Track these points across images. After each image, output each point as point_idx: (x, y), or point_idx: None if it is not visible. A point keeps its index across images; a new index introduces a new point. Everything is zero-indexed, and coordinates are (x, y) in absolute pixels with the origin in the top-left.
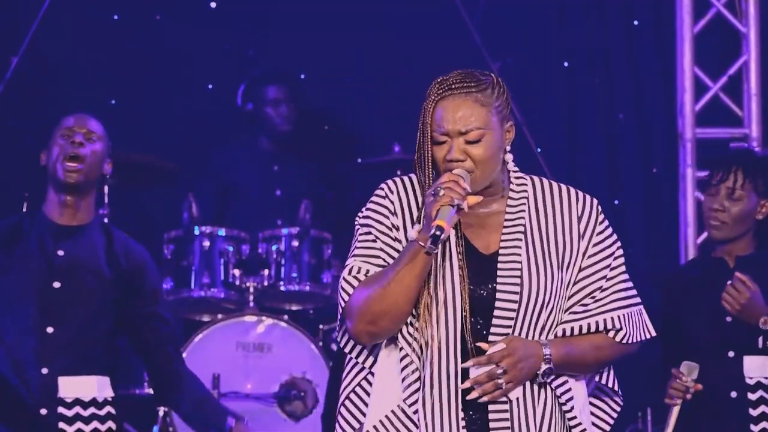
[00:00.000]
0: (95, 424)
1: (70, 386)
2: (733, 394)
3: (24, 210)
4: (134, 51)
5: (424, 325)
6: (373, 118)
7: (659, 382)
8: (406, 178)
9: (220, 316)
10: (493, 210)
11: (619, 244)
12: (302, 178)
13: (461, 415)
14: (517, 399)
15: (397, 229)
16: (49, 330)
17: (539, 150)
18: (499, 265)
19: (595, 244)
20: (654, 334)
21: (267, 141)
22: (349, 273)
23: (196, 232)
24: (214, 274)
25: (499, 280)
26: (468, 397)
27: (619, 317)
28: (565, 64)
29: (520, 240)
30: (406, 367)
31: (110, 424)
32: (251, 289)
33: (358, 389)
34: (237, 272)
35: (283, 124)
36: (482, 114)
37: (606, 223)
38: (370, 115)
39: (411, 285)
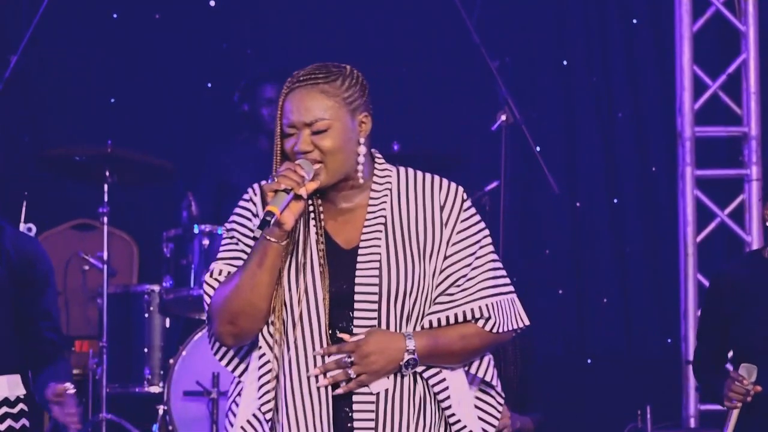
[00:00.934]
0: (9, 422)
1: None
2: None
3: (23, 213)
4: (133, 50)
5: (281, 322)
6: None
7: (659, 380)
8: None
9: None
10: (356, 204)
11: (486, 232)
12: None
13: (326, 409)
14: (386, 391)
15: None
16: None
17: (538, 149)
18: (359, 259)
19: (459, 232)
20: (527, 323)
21: (265, 140)
22: (210, 275)
23: (196, 230)
24: None
25: (357, 273)
26: (317, 385)
27: (486, 306)
28: (564, 62)
29: (380, 232)
30: (262, 366)
31: (24, 421)
32: None
33: (237, 399)
34: None
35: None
36: (329, 105)
37: (471, 211)
38: None
39: (262, 280)
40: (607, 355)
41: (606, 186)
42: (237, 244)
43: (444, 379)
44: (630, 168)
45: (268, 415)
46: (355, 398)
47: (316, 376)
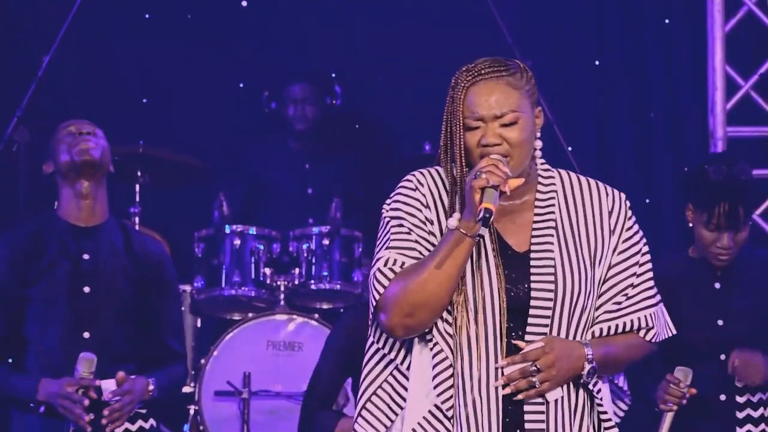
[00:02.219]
0: (140, 422)
1: (112, 389)
2: (722, 397)
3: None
4: (166, 49)
5: (461, 321)
6: (404, 116)
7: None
8: (433, 171)
9: (250, 314)
10: (524, 202)
11: (644, 240)
12: (333, 177)
13: (497, 412)
14: (556, 400)
15: (431, 222)
16: (86, 335)
17: (570, 148)
18: (533, 263)
19: (625, 240)
20: (674, 331)
21: (293, 140)
22: (385, 265)
23: (227, 230)
24: (244, 273)
25: (533, 278)
26: (501, 392)
27: (650, 315)
28: (596, 62)
29: (552, 236)
30: (439, 363)
31: (152, 421)
32: (282, 288)
33: (385, 385)
34: (268, 271)
35: (299, 123)
36: (516, 97)
37: (634, 219)
38: (401, 113)
39: (452, 275)
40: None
41: (638, 186)
42: (409, 233)
43: (602, 389)
44: (662, 168)
45: (450, 412)
46: (526, 406)
47: (496, 388)
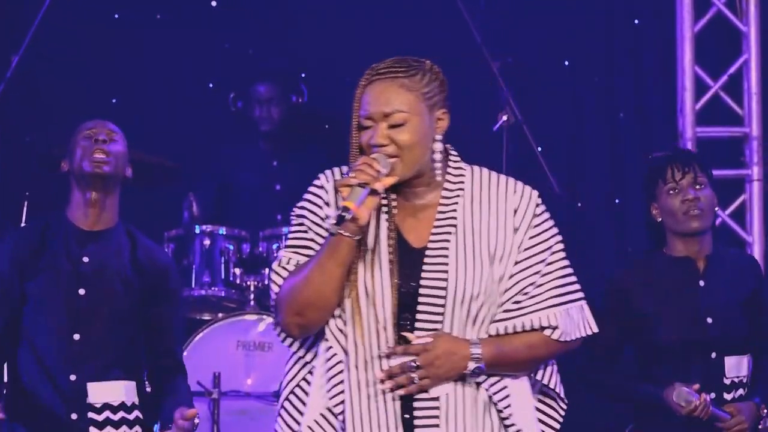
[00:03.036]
0: (124, 428)
1: (99, 391)
2: (712, 395)
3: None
4: (135, 50)
5: (352, 318)
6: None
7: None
8: (344, 168)
9: (220, 314)
10: (429, 201)
11: (558, 238)
12: (301, 174)
13: (394, 408)
14: (447, 395)
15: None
16: (76, 337)
17: (539, 149)
18: (426, 260)
19: (531, 238)
20: (596, 330)
21: (261, 140)
22: (279, 264)
23: (197, 230)
24: (214, 273)
25: (423, 275)
26: (380, 388)
27: (554, 314)
28: (566, 62)
29: (450, 233)
30: (330, 359)
31: (137, 428)
32: (252, 288)
33: (303, 384)
34: (238, 271)
35: (265, 124)
36: (408, 98)
37: (544, 216)
38: None
39: (333, 273)
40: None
41: (608, 186)
42: (307, 232)
43: (505, 387)
44: (632, 168)
45: (339, 408)
46: (416, 404)
47: (382, 380)
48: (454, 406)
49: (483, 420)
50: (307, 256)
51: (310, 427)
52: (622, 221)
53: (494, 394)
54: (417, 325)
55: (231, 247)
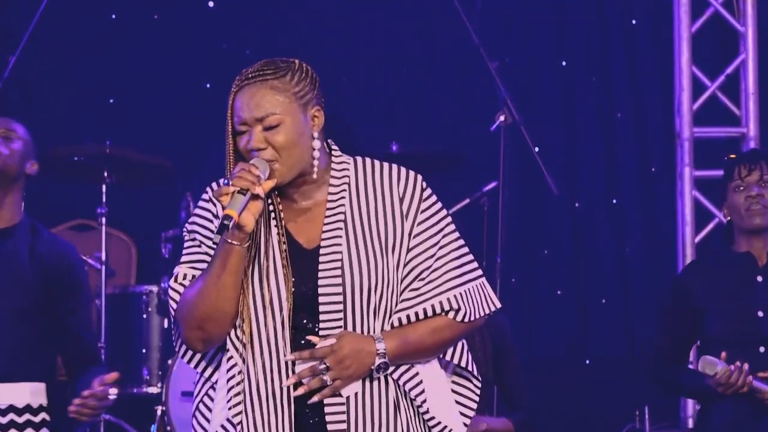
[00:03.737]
0: (30, 431)
1: (3, 393)
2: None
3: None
4: (132, 50)
5: (246, 326)
6: (371, 117)
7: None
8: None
9: None
10: (316, 200)
11: (448, 219)
12: None
13: (292, 417)
14: (356, 395)
15: None
16: None
17: (537, 149)
18: (320, 259)
19: (420, 223)
20: (498, 305)
21: None
22: (175, 280)
23: None
24: None
25: (320, 274)
26: (294, 394)
27: (455, 296)
28: (563, 63)
29: (341, 230)
30: (230, 369)
31: (45, 431)
32: None
33: (206, 399)
34: None
35: None
36: (279, 100)
37: (432, 200)
38: (367, 114)
39: (226, 283)
40: (605, 356)
41: (605, 186)
42: (200, 246)
43: (417, 374)
44: (629, 168)
45: (237, 418)
46: (326, 404)
47: (293, 384)
48: (362, 404)
49: (397, 413)
50: (201, 270)
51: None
52: (619, 221)
53: (406, 383)
54: (320, 325)
55: None
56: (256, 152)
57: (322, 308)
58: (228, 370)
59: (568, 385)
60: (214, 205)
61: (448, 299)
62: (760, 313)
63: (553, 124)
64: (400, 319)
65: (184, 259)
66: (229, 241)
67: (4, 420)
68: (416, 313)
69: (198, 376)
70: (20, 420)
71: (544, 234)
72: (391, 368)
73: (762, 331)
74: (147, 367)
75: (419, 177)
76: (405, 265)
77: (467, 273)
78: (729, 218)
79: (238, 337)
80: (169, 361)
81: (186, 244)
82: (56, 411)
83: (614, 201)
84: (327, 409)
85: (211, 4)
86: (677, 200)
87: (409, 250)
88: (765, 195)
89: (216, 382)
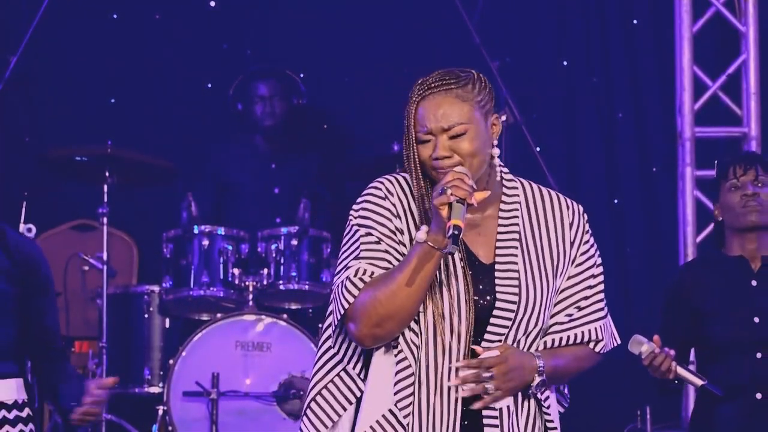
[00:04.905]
0: (20, 426)
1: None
2: (758, 396)
3: (23, 213)
4: (133, 50)
5: (429, 331)
6: (372, 117)
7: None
8: (400, 178)
9: (219, 315)
10: (488, 214)
11: (599, 253)
12: (300, 177)
13: (455, 420)
14: (508, 407)
15: (402, 232)
16: None
17: (538, 149)
18: (497, 274)
19: (583, 253)
20: (619, 342)
21: (260, 138)
22: (355, 275)
23: (196, 231)
24: (213, 273)
25: (498, 289)
26: (456, 395)
27: (599, 327)
28: (564, 63)
29: (516, 248)
30: (402, 370)
31: (31, 426)
32: (250, 288)
33: (331, 386)
34: (236, 271)
35: (267, 119)
36: (464, 109)
37: (590, 232)
38: (369, 114)
39: (420, 288)
40: (607, 356)
41: (606, 186)
42: (379, 243)
43: (550, 397)
44: (630, 168)
45: (407, 419)
46: (484, 413)
47: (456, 387)
48: (509, 418)
49: (535, 428)
50: (383, 268)
51: (371, 427)
52: (620, 221)
53: (543, 401)
54: (485, 337)
55: (230, 248)
56: (438, 161)
57: (493, 320)
58: (399, 369)
59: (568, 385)
60: (393, 204)
61: (596, 329)
62: (757, 319)
63: (554, 124)
64: (553, 341)
65: (363, 255)
66: (434, 246)
67: None
68: (568, 338)
69: (324, 357)
70: (10, 416)
71: None
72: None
73: (759, 337)
74: (148, 367)
75: (581, 207)
76: (561, 291)
77: (605, 308)
78: (720, 219)
79: (412, 340)
80: (171, 361)
81: (362, 239)
82: (33, 406)
83: (615, 201)
84: (485, 419)
85: (212, 4)
86: (678, 200)
87: (569, 278)
88: (760, 194)
89: (357, 372)
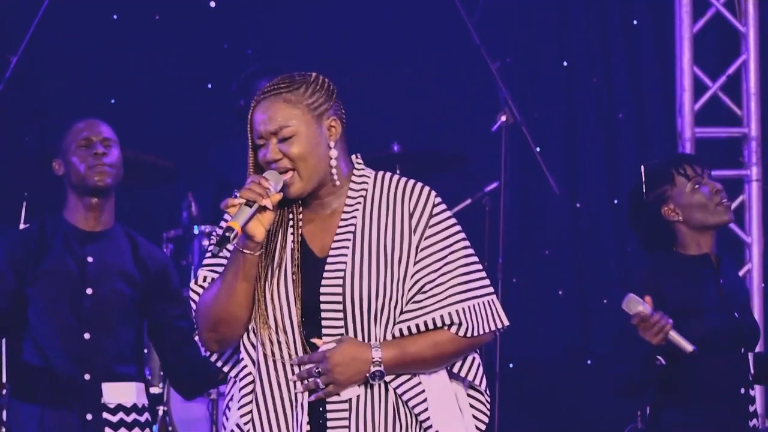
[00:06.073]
0: (137, 430)
1: (113, 392)
2: (742, 391)
3: (23, 213)
4: (134, 50)
5: (259, 329)
6: (372, 117)
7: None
8: None
9: None
10: (333, 210)
11: (460, 235)
12: None
13: (302, 415)
14: (357, 397)
15: None
16: (87, 336)
17: (538, 149)
18: (326, 267)
19: (427, 237)
20: (507, 323)
21: None
22: (195, 282)
23: (196, 231)
24: None
25: (323, 282)
26: (294, 391)
27: (457, 311)
28: (564, 63)
29: (349, 240)
30: (241, 371)
31: (148, 431)
32: None
33: (230, 402)
34: None
35: None
36: (291, 113)
37: (442, 216)
38: (369, 114)
39: (239, 289)
40: (607, 356)
41: (606, 186)
42: (221, 251)
43: (418, 384)
44: (630, 169)
45: (247, 426)
46: (328, 406)
47: (295, 383)
48: (364, 407)
49: (396, 418)
50: (219, 273)
51: None
52: (620, 221)
53: (404, 393)
54: (324, 331)
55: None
56: (273, 164)
57: (323, 314)
58: (239, 373)
59: (569, 385)
60: None
61: (449, 314)
62: (737, 314)
63: (555, 124)
64: (401, 330)
65: (205, 261)
66: (241, 249)
67: (114, 418)
68: (417, 325)
69: (229, 377)
70: (129, 419)
71: (545, 234)
72: (391, 377)
73: (741, 331)
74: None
75: (432, 193)
76: (411, 278)
77: (475, 289)
78: (676, 219)
79: (250, 340)
80: None
81: (208, 249)
82: (152, 412)
83: (615, 201)
84: (329, 412)
85: (212, 4)
86: None
87: (415, 263)
88: (723, 189)
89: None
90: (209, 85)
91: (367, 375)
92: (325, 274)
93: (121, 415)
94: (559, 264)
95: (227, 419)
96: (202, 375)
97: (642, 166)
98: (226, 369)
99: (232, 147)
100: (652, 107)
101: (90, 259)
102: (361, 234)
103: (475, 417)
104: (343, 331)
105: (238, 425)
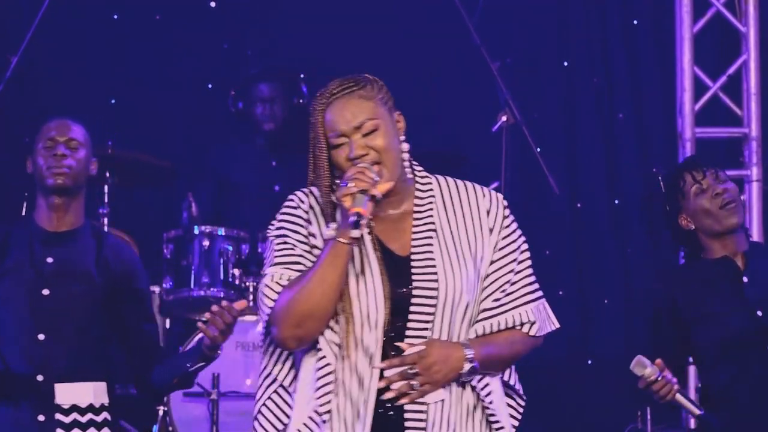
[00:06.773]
0: (92, 430)
1: (67, 393)
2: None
3: (23, 213)
4: (134, 50)
5: (345, 328)
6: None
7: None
8: (314, 189)
9: None
10: (403, 210)
11: (524, 238)
12: (300, 175)
13: (370, 416)
14: (443, 401)
15: (314, 237)
16: (41, 337)
17: (538, 149)
18: (413, 264)
19: (504, 238)
20: (557, 326)
21: (261, 139)
22: (271, 280)
23: (196, 231)
24: (213, 274)
25: (414, 281)
26: (383, 397)
27: (530, 310)
28: (565, 63)
29: (432, 239)
30: (322, 368)
31: (106, 430)
32: (251, 289)
33: (269, 403)
34: (237, 272)
35: (267, 123)
36: (370, 106)
37: (512, 217)
38: None
39: (333, 283)
40: (607, 356)
41: (607, 187)
42: (293, 248)
43: (488, 385)
44: (631, 169)
45: (326, 416)
46: (406, 407)
47: (382, 388)
48: (441, 409)
49: (471, 420)
50: (298, 271)
51: (299, 430)
52: (621, 222)
53: (481, 390)
54: (408, 330)
55: (230, 248)
56: (358, 160)
57: (412, 315)
58: (319, 370)
59: (570, 385)
60: (305, 211)
61: (526, 312)
62: (759, 313)
63: (555, 124)
64: (484, 329)
65: (278, 260)
66: (341, 240)
67: (67, 419)
68: (498, 323)
69: (261, 380)
70: (83, 419)
71: (545, 234)
72: (471, 377)
73: (764, 330)
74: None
75: (500, 195)
76: (486, 277)
77: (537, 291)
78: (692, 228)
79: (331, 338)
80: None
81: (276, 247)
82: (116, 410)
83: (616, 201)
84: (407, 414)
85: (212, 4)
86: None
87: (491, 263)
88: (729, 189)
89: (288, 386)
90: (209, 86)
91: (462, 372)
92: (414, 272)
93: (74, 415)
94: (559, 264)
95: (274, 417)
96: (167, 378)
97: (660, 177)
98: (281, 377)
99: (232, 147)
100: (652, 107)
101: (50, 260)
102: (441, 232)
103: (511, 416)
104: (428, 327)
105: (310, 420)
